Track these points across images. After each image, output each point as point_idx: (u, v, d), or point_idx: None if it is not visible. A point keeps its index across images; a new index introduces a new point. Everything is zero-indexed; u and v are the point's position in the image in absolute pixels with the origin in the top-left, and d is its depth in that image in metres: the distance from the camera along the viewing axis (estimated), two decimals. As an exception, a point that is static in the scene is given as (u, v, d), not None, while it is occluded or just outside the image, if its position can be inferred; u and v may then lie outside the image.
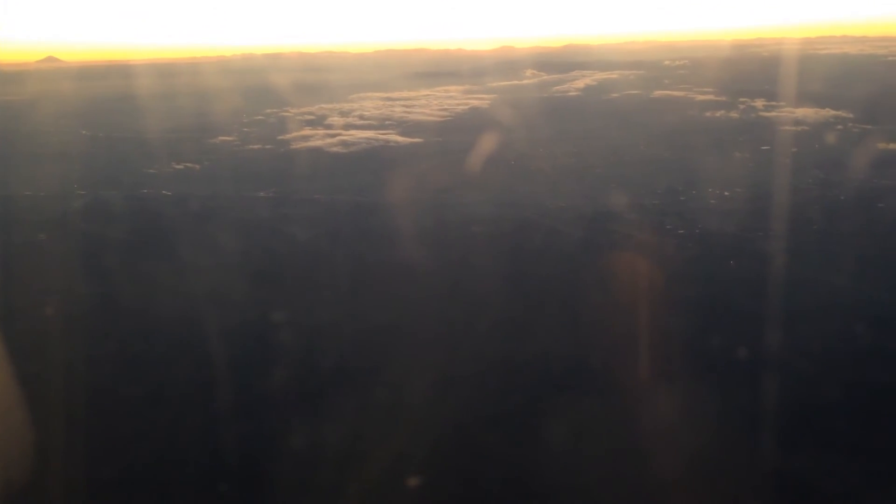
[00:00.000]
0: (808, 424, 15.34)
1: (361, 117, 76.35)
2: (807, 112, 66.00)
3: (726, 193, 37.86)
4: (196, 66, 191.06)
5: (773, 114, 68.34)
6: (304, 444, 15.06)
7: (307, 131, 66.53)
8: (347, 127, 68.84)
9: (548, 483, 13.92)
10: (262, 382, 17.30)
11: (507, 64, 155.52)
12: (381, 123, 71.52)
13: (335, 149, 57.10)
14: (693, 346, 18.63)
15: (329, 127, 69.49)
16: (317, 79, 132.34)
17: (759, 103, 74.72)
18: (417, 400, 16.55)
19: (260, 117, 79.71)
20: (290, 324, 20.46)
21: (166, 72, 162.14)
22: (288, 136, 63.90)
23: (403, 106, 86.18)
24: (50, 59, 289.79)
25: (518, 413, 15.99)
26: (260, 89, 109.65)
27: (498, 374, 17.70)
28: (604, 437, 14.85)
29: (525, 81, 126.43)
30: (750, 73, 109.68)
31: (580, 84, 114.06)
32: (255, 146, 60.00)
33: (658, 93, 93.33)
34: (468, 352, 18.77)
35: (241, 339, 19.36)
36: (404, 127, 68.96)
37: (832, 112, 65.10)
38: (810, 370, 17.32)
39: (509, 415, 15.99)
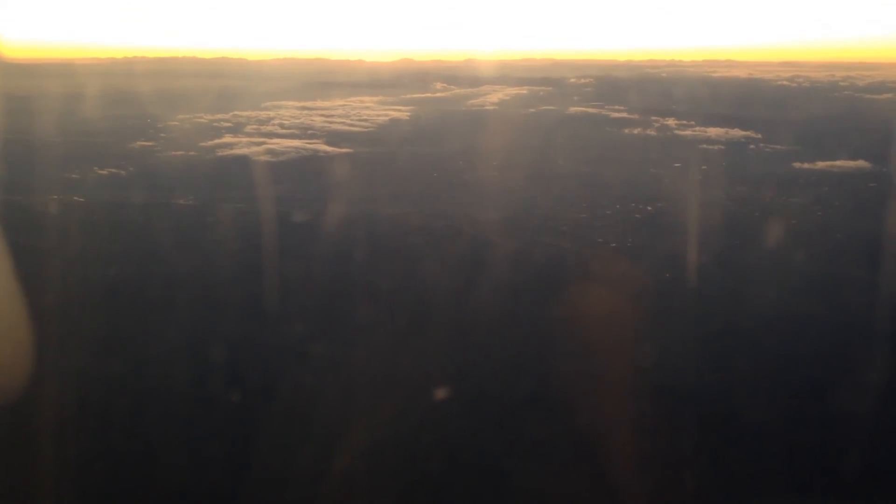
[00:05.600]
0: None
1: (282, 126, 74.79)
2: (718, 132, 69.61)
3: (649, 208, 39.33)
4: (86, 68, 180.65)
5: (687, 132, 71.52)
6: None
7: (229, 138, 64.65)
8: (270, 135, 67.39)
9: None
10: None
11: (413, 76, 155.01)
12: (304, 133, 70.32)
13: (263, 157, 55.75)
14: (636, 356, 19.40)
15: (250, 135, 67.89)
16: (222, 85, 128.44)
17: (672, 122, 78.14)
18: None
19: (175, 123, 76.59)
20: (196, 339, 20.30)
21: (52, 73, 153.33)
22: (210, 143, 61.77)
23: (322, 116, 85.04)
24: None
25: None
26: (164, 94, 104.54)
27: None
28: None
29: (438, 94, 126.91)
30: (655, 93, 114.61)
31: (494, 98, 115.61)
32: (178, 152, 57.67)
33: (574, 109, 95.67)
34: (414, 364, 19.11)
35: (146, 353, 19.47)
36: (329, 136, 68.01)
37: (741, 132, 68.88)
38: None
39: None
